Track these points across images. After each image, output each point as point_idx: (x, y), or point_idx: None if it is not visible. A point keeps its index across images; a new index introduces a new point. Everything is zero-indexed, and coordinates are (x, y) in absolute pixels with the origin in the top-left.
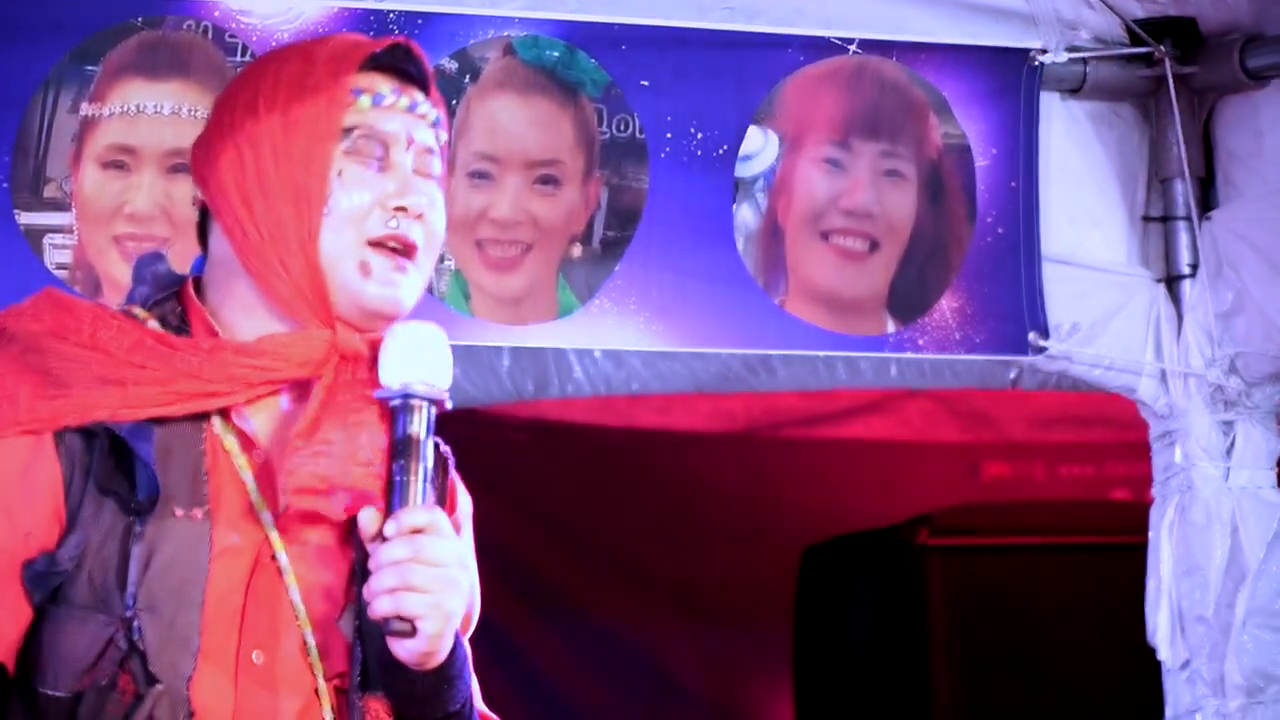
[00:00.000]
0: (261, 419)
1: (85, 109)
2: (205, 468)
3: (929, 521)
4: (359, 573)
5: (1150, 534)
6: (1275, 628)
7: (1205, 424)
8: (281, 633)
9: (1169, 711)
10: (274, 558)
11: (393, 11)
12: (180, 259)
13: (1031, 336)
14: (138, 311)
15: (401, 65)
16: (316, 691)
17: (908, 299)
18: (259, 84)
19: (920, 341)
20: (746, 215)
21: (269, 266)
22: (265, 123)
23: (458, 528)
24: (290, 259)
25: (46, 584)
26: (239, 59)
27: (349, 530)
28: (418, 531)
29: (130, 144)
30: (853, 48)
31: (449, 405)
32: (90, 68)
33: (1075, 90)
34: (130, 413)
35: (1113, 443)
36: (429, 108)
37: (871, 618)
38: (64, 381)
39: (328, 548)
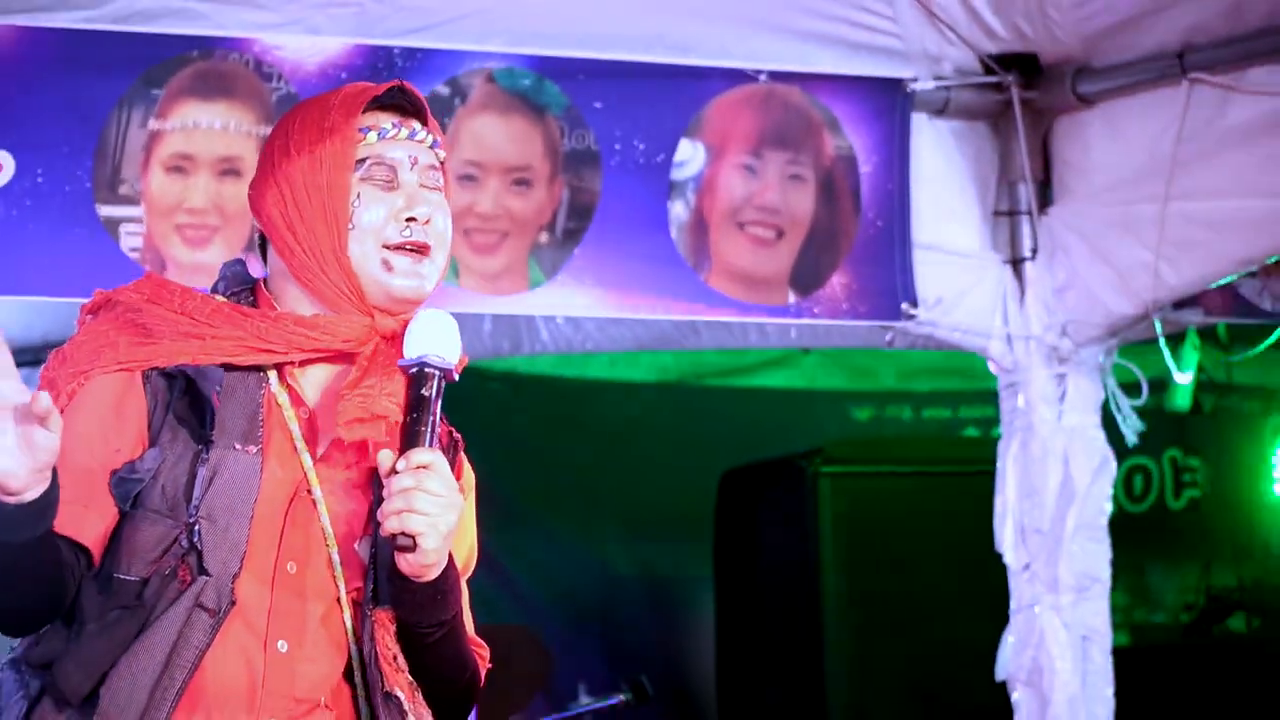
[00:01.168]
0: (309, 382)
1: (152, 124)
2: (261, 415)
3: (821, 453)
4: (375, 509)
5: (998, 464)
6: (1097, 538)
7: (1043, 377)
8: (312, 551)
9: (1013, 605)
10: (310, 491)
11: (397, 48)
12: (228, 246)
13: (904, 307)
14: (218, 297)
15: (399, 102)
16: (338, 600)
17: (806, 277)
18: (289, 130)
19: (815, 310)
20: (679, 210)
21: (314, 276)
22: (296, 162)
23: (464, 493)
24: (329, 268)
25: (128, 490)
26: (274, 84)
27: (370, 476)
28: (423, 468)
29: (189, 152)
30: (763, 77)
31: (456, 377)
32: (155, 91)
33: (940, 111)
34: (206, 359)
35: (966, 392)
36: (426, 133)
37: (775, 530)
38: (155, 334)
39: (352, 489)
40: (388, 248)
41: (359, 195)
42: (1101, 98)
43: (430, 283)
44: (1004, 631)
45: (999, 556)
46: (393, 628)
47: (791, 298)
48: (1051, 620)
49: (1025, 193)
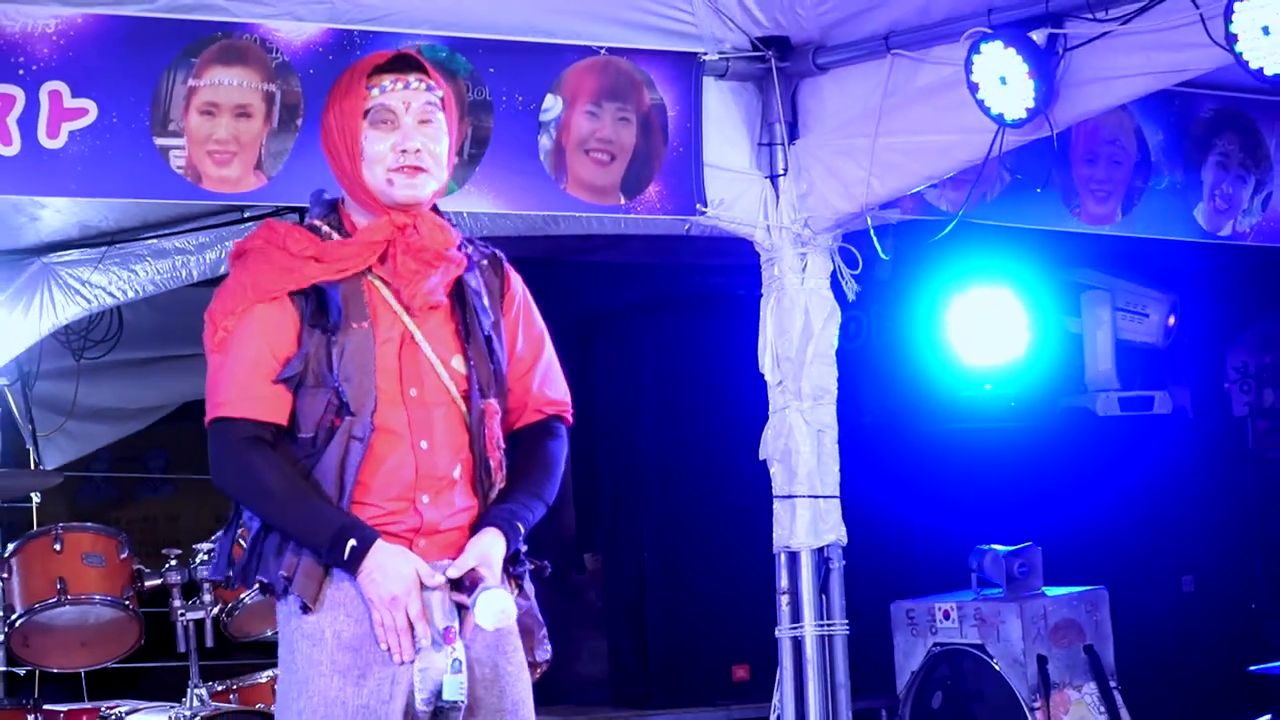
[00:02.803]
0: (386, 268)
1: (190, 82)
2: (365, 301)
3: (642, 306)
4: (458, 331)
5: (761, 313)
6: (828, 364)
7: (791, 254)
8: (425, 375)
9: (771, 409)
10: (413, 339)
11: (356, 31)
12: (242, 163)
13: (698, 206)
14: (316, 223)
15: (399, 66)
16: (454, 400)
17: (631, 186)
18: (330, 94)
19: (638, 208)
20: (545, 142)
21: (350, 192)
22: (330, 116)
23: (515, 300)
24: (355, 188)
25: (293, 378)
26: (273, 55)
27: (448, 314)
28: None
29: (215, 101)
30: (603, 51)
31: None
32: (192, 60)
33: (722, 75)
34: (322, 278)
35: (737, 264)
36: (420, 81)
37: (602, 384)
38: (283, 267)
39: (438, 326)
40: (390, 170)
41: (366, 136)
42: (832, 67)
43: (425, 190)
44: (765, 426)
45: (761, 375)
46: (497, 415)
47: (622, 200)
48: (797, 419)
49: (779, 131)
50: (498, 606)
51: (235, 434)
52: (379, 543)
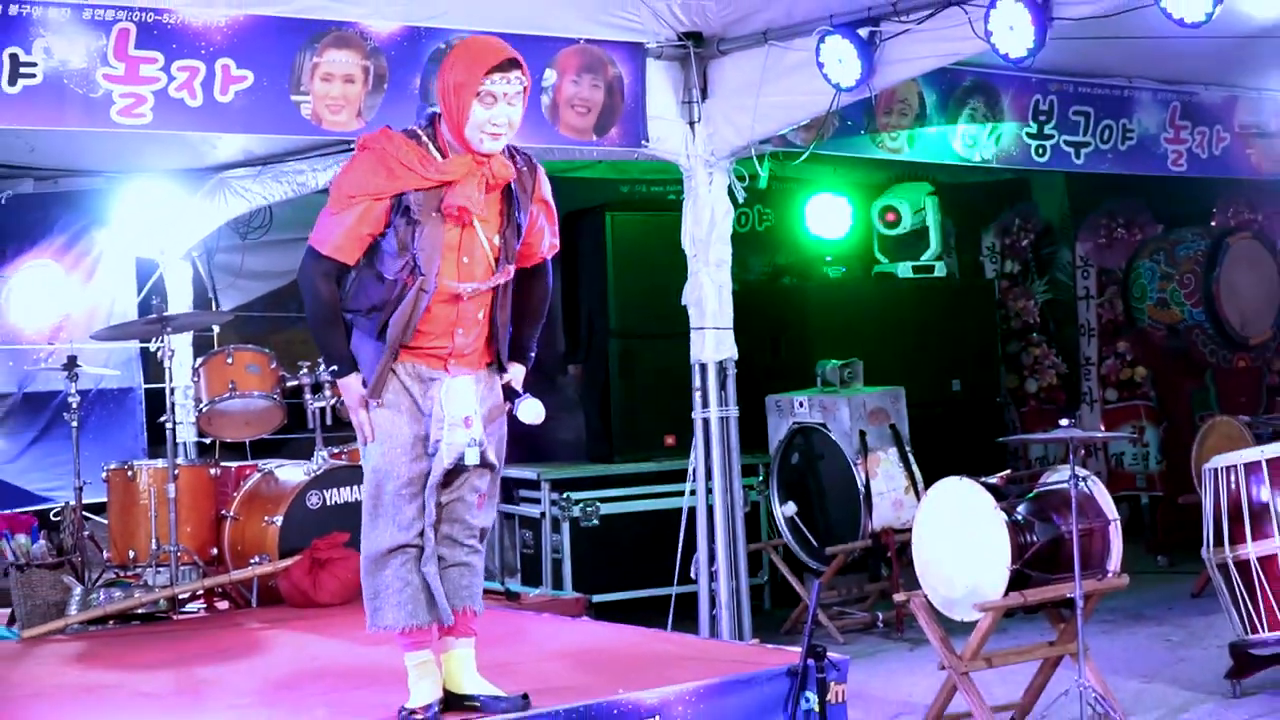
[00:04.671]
0: (462, 189)
1: (314, 59)
2: (443, 198)
3: (607, 206)
4: (504, 215)
5: (683, 210)
6: (726, 242)
7: (703, 172)
8: (476, 249)
9: (689, 271)
10: (473, 225)
11: (423, 28)
12: (350, 112)
13: (643, 142)
14: (419, 131)
15: (504, 66)
16: (490, 265)
17: (600, 128)
18: (451, 60)
19: (605, 143)
20: (545, 100)
21: (452, 131)
22: (448, 79)
23: (540, 191)
24: (456, 134)
25: (379, 242)
26: (367, 43)
27: (498, 209)
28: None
29: (330, 72)
30: (582, 41)
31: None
32: (316, 44)
33: (659, 57)
34: (415, 184)
35: (669, 179)
36: (515, 75)
37: (583, 255)
38: (391, 174)
39: (490, 209)
40: (482, 132)
41: (473, 109)
42: (730, 52)
43: (498, 146)
44: (685, 282)
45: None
46: (511, 279)
47: (594, 137)
48: (706, 278)
49: (695, 94)
50: (533, 410)
51: (319, 262)
52: (348, 377)
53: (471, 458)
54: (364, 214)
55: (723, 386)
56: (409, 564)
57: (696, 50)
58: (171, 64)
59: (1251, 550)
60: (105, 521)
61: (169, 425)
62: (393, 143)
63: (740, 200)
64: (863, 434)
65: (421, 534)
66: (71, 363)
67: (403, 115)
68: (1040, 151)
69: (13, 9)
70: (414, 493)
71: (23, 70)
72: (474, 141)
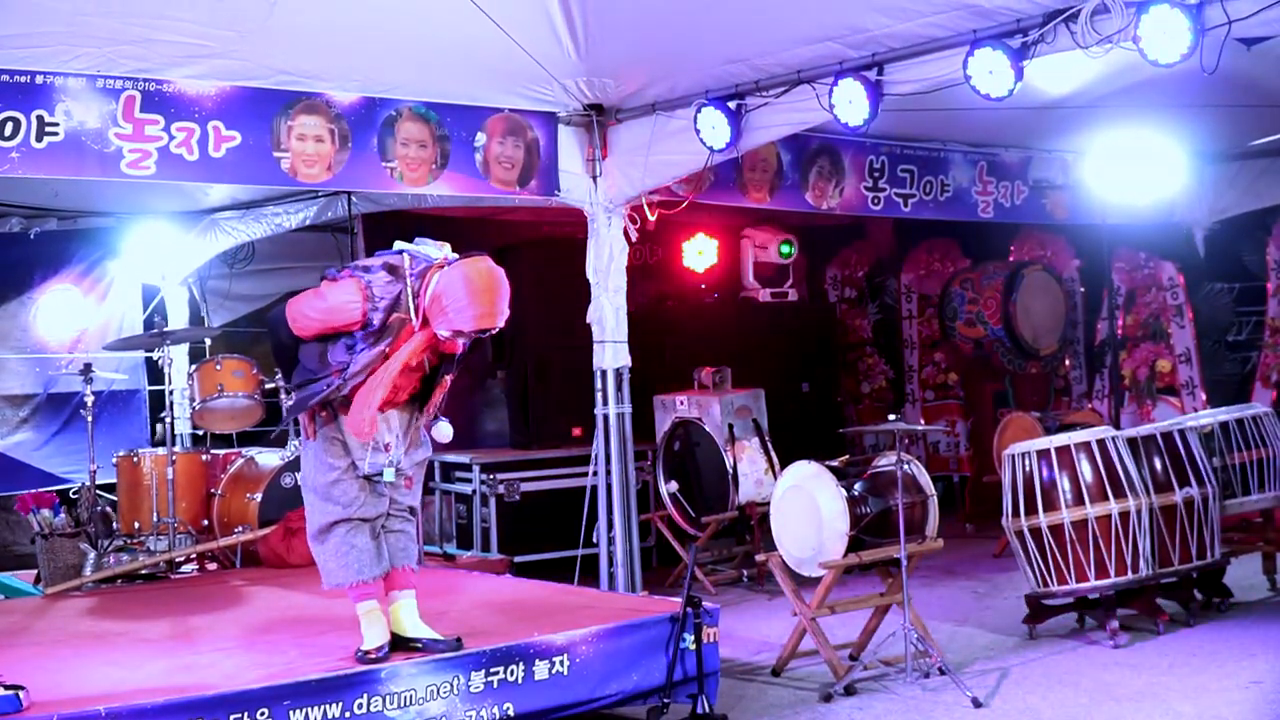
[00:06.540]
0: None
1: (289, 123)
2: (398, 332)
3: (528, 243)
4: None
5: (588, 246)
6: (621, 272)
7: (603, 216)
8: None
9: (593, 295)
10: (414, 350)
11: (377, 98)
12: (322, 168)
13: (556, 191)
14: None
15: (490, 328)
16: (423, 365)
17: (522, 180)
18: (459, 289)
19: (525, 194)
20: (479, 157)
21: (419, 310)
22: (450, 298)
23: (428, 286)
24: (422, 314)
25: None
26: (331, 109)
27: (426, 346)
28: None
29: (303, 133)
30: (506, 110)
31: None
32: (290, 110)
33: (568, 123)
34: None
35: (576, 221)
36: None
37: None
38: (363, 311)
39: (428, 349)
40: (446, 333)
41: (448, 333)
42: (625, 120)
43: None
44: (589, 304)
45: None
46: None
47: (518, 188)
48: (606, 301)
49: (597, 153)
50: (444, 432)
51: (286, 331)
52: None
53: (389, 475)
54: (336, 319)
55: (619, 388)
56: (351, 531)
57: (598, 118)
58: (171, 125)
59: (1043, 520)
60: (115, 499)
61: (168, 420)
62: (364, 289)
63: (633, 239)
64: (731, 426)
65: (362, 508)
66: (87, 369)
67: (365, 170)
68: (875, 201)
69: (39, 78)
70: (353, 477)
71: (47, 129)
72: (436, 331)
